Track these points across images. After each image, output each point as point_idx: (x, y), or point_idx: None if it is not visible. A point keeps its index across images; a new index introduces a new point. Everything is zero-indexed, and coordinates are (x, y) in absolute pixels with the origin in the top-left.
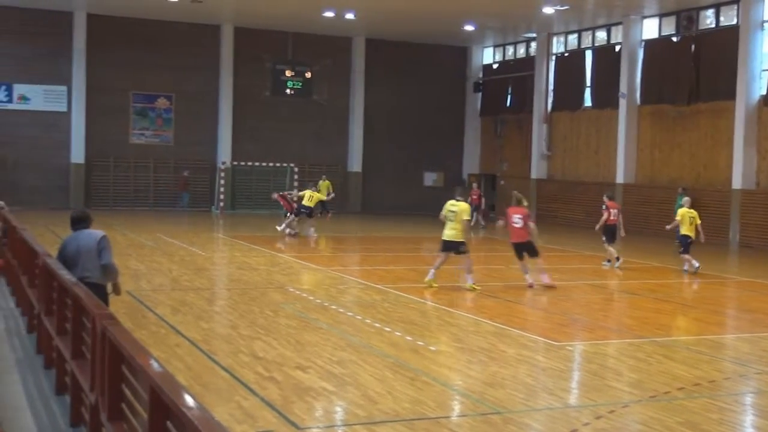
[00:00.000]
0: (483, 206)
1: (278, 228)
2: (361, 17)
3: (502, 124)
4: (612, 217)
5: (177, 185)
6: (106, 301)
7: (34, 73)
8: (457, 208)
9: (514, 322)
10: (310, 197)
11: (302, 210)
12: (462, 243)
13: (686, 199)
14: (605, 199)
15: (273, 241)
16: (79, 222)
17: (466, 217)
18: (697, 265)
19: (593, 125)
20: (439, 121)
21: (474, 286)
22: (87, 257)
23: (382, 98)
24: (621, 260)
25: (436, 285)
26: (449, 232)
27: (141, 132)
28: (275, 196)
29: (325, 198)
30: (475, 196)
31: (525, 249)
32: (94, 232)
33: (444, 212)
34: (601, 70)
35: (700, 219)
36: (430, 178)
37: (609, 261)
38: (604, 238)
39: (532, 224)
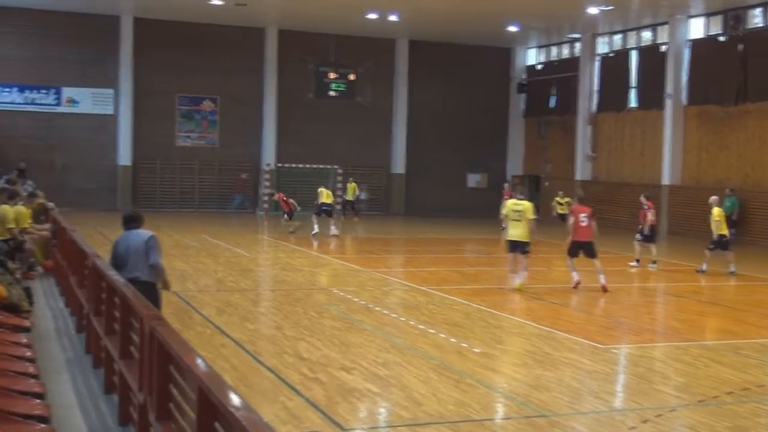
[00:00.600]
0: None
1: (310, 234)
2: (405, 19)
3: (545, 126)
4: (651, 217)
5: (234, 186)
6: (157, 298)
7: (82, 77)
8: (522, 207)
9: (559, 325)
10: (327, 195)
11: (324, 208)
12: (528, 243)
13: (714, 198)
14: (643, 199)
15: (318, 243)
16: (131, 221)
17: (532, 216)
18: (705, 267)
19: (638, 126)
20: (482, 122)
21: (522, 286)
22: (136, 257)
23: (425, 100)
24: (657, 264)
25: (525, 288)
26: (516, 232)
27: (187, 134)
28: (277, 196)
29: (351, 198)
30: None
31: (585, 248)
32: (143, 233)
33: (506, 211)
34: (646, 71)
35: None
36: (473, 180)
37: (638, 261)
38: (641, 238)
39: (594, 223)
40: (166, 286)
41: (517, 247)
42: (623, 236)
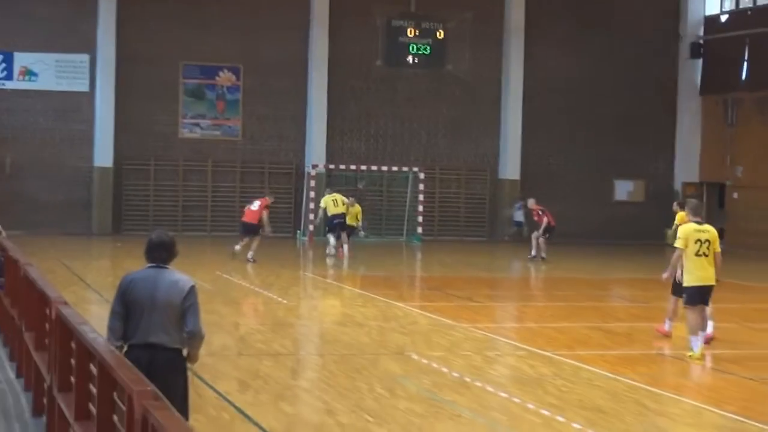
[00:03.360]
0: (547, 227)
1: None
2: None
3: (734, 107)
4: None
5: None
6: (185, 377)
7: (43, 38)
8: (708, 234)
9: (755, 412)
10: (335, 202)
11: (336, 221)
12: (712, 288)
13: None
14: None
15: (388, 283)
16: (159, 250)
17: (718, 248)
18: None
19: None
20: (636, 103)
21: (698, 354)
22: (164, 311)
23: (549, 70)
24: None
25: (700, 359)
26: (703, 273)
27: (195, 121)
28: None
29: (352, 224)
30: (537, 215)
31: None
32: (181, 279)
33: (683, 241)
34: None
35: None
36: (623, 190)
37: None
38: None
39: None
40: (192, 359)
41: (704, 294)
42: None
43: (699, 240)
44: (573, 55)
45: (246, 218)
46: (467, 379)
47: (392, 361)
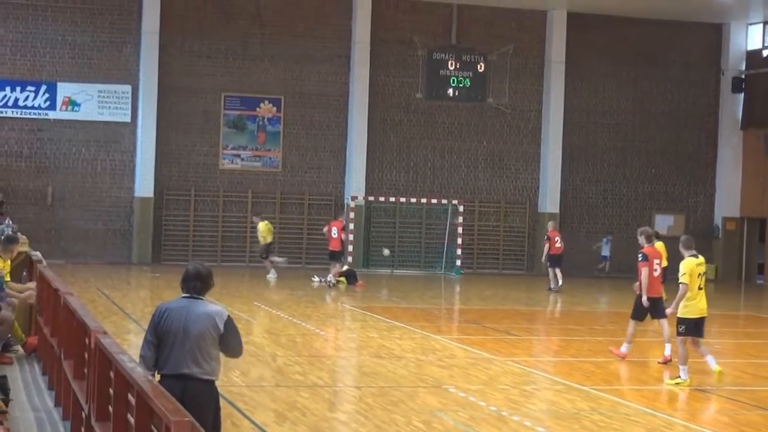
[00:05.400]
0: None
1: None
2: None
3: None
4: None
5: None
6: (218, 407)
7: (85, 68)
8: (704, 266)
9: None
10: (269, 230)
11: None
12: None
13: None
14: None
15: (426, 315)
16: (194, 280)
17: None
18: None
19: None
20: (677, 137)
21: (688, 381)
22: (197, 342)
23: (589, 103)
24: None
25: (686, 384)
26: (703, 306)
27: (235, 152)
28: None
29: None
30: (557, 244)
31: None
32: (214, 309)
33: (688, 275)
34: None
35: None
36: (663, 224)
37: None
38: None
39: None
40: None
41: (702, 326)
42: None
43: (700, 274)
44: (614, 89)
45: (331, 246)
46: (504, 414)
47: (430, 394)
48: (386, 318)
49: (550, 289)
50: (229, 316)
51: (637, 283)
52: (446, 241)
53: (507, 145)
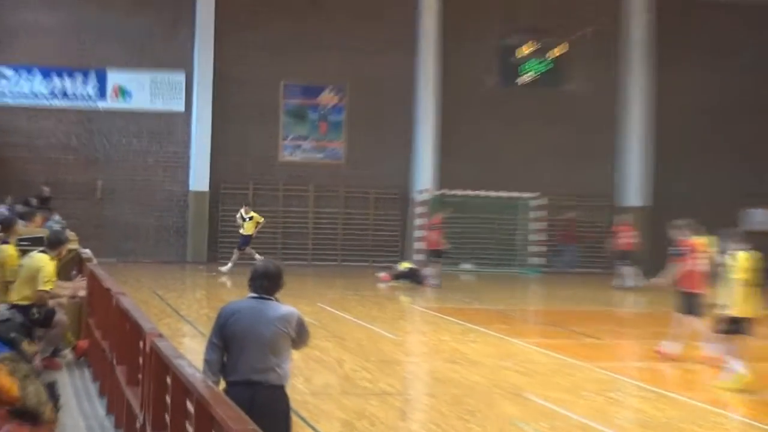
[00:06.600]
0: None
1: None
2: None
3: None
4: None
5: (562, 236)
6: (284, 411)
7: (137, 55)
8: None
9: None
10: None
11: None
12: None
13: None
14: None
15: (502, 317)
16: (262, 279)
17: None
18: None
19: None
20: None
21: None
22: (267, 347)
23: (679, 89)
24: None
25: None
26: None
27: (296, 143)
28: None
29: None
30: (624, 238)
31: None
32: (286, 310)
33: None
34: None
35: None
36: (757, 219)
37: None
38: None
39: None
40: None
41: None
42: None
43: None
44: (702, 76)
45: (429, 245)
46: (589, 423)
47: (508, 402)
48: (459, 320)
49: (618, 286)
50: (299, 316)
51: None
52: (521, 237)
53: (587, 133)
